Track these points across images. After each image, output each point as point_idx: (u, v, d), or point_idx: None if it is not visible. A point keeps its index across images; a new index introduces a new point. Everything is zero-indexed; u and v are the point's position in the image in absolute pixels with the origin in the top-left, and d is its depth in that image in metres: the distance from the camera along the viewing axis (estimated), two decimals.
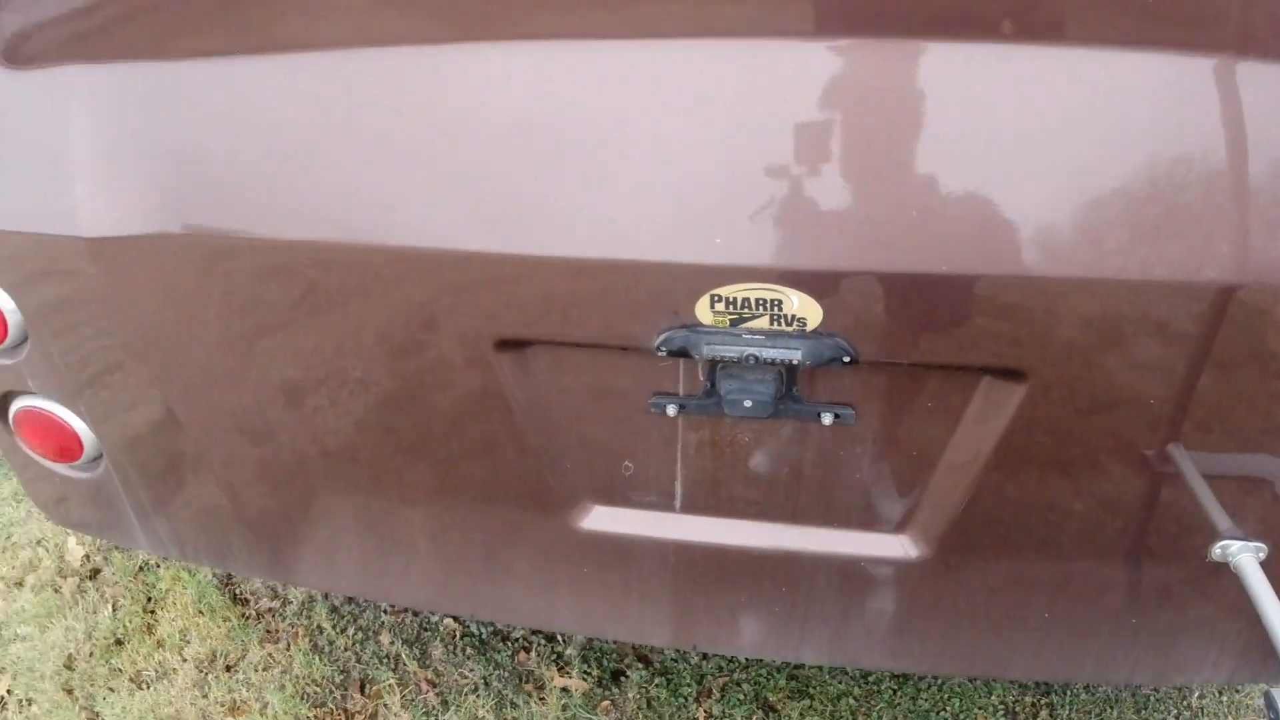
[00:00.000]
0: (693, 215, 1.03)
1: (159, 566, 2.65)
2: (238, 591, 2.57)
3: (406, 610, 2.50)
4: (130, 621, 2.48)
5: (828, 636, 1.46)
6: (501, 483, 1.35)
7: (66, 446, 1.58)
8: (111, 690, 2.32)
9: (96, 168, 1.23)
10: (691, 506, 1.35)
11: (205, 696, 2.28)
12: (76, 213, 1.24)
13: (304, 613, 2.50)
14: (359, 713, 2.28)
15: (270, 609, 2.53)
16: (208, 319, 1.28)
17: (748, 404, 1.14)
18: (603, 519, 1.41)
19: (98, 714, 2.28)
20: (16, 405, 1.58)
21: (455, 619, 2.48)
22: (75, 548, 2.75)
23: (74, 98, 1.23)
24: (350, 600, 2.52)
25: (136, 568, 2.65)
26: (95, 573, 2.67)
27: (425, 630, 2.46)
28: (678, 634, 1.53)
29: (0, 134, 1.30)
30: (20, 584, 2.67)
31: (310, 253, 1.16)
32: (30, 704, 2.33)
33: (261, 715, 2.23)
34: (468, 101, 1.09)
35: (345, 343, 1.24)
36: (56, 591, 2.61)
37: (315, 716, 2.25)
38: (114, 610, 2.52)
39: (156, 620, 2.49)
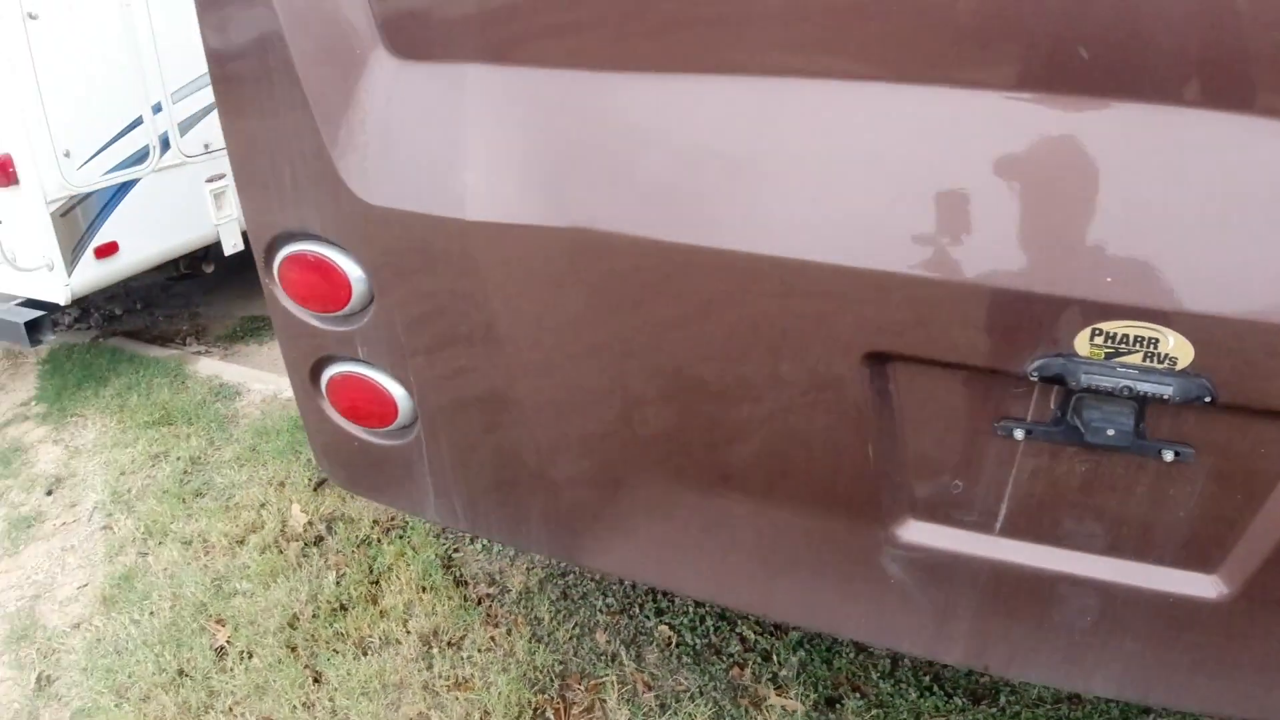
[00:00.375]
0: (1085, 252, 1.08)
1: (381, 541, 2.69)
2: (459, 574, 2.57)
3: (623, 611, 2.46)
4: (354, 590, 2.50)
5: (1122, 669, 1.41)
6: (831, 488, 1.36)
7: (381, 412, 1.58)
8: (336, 653, 2.32)
9: (488, 160, 1.31)
10: (1011, 530, 1.35)
11: (429, 669, 2.26)
12: (464, 198, 1.32)
13: (522, 602, 2.47)
14: (578, 704, 2.22)
15: (489, 594, 2.51)
16: (567, 307, 1.33)
17: (1111, 433, 1.17)
18: (920, 533, 1.40)
19: (321, 674, 2.28)
20: (332, 370, 1.64)
21: (670, 626, 2.42)
22: (299, 514, 2.81)
23: (472, 94, 1.32)
24: (565, 596, 2.49)
25: (359, 540, 2.69)
26: (319, 540, 2.72)
27: (640, 634, 2.40)
28: (971, 653, 1.48)
29: (386, 118, 1.35)
30: (242, 542, 2.74)
31: (690, 256, 1.22)
32: (250, 656, 2.35)
33: (486, 692, 2.19)
34: (868, 132, 1.16)
35: (705, 343, 1.29)
36: (280, 554, 2.66)
37: (536, 702, 2.19)
38: (338, 578, 2.55)
39: (380, 592, 2.51)
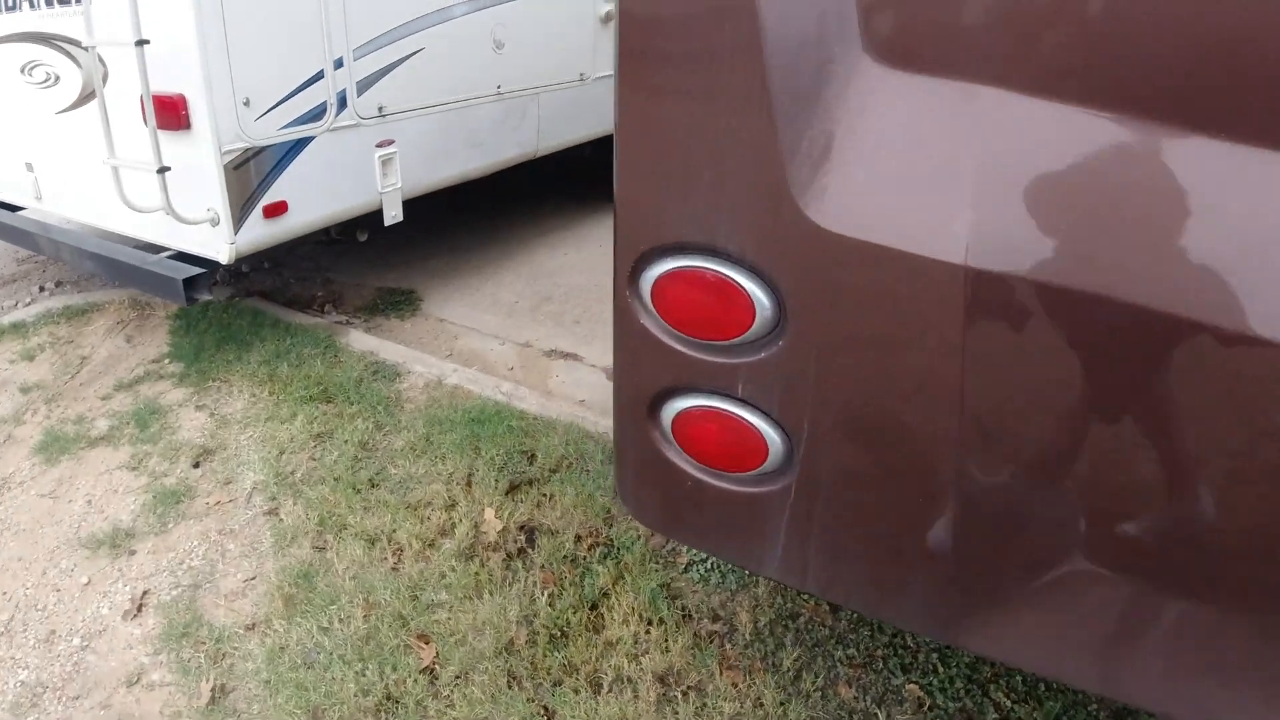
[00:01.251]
0: None
1: (590, 559, 2.44)
2: (684, 606, 2.32)
3: (866, 665, 2.20)
4: (572, 615, 2.25)
5: None
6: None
7: (745, 456, 1.42)
8: (566, 688, 2.07)
9: (998, 201, 1.10)
10: None
11: (675, 715, 2.01)
12: (962, 241, 1.11)
13: (756, 644, 2.21)
14: None
15: (718, 632, 2.25)
16: (1058, 376, 1.15)
17: None
18: None
19: (554, 712, 2.02)
20: (686, 403, 1.43)
21: (919, 685, 2.16)
22: (493, 520, 2.56)
23: (983, 121, 1.10)
24: (800, 641, 2.23)
25: (565, 555, 2.44)
26: (521, 552, 2.47)
27: (889, 693, 2.13)
28: None
29: (859, 133, 1.17)
30: (433, 545, 2.49)
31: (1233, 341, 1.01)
32: (467, 681, 2.10)
33: None
34: None
35: (1179, 416, 1.08)
36: (482, 565, 2.41)
37: None
38: (550, 599, 2.30)
39: (602, 620, 2.25)
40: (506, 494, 2.69)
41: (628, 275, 1.40)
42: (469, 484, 2.73)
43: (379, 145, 3.56)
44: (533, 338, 3.98)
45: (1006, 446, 1.22)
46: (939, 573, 1.37)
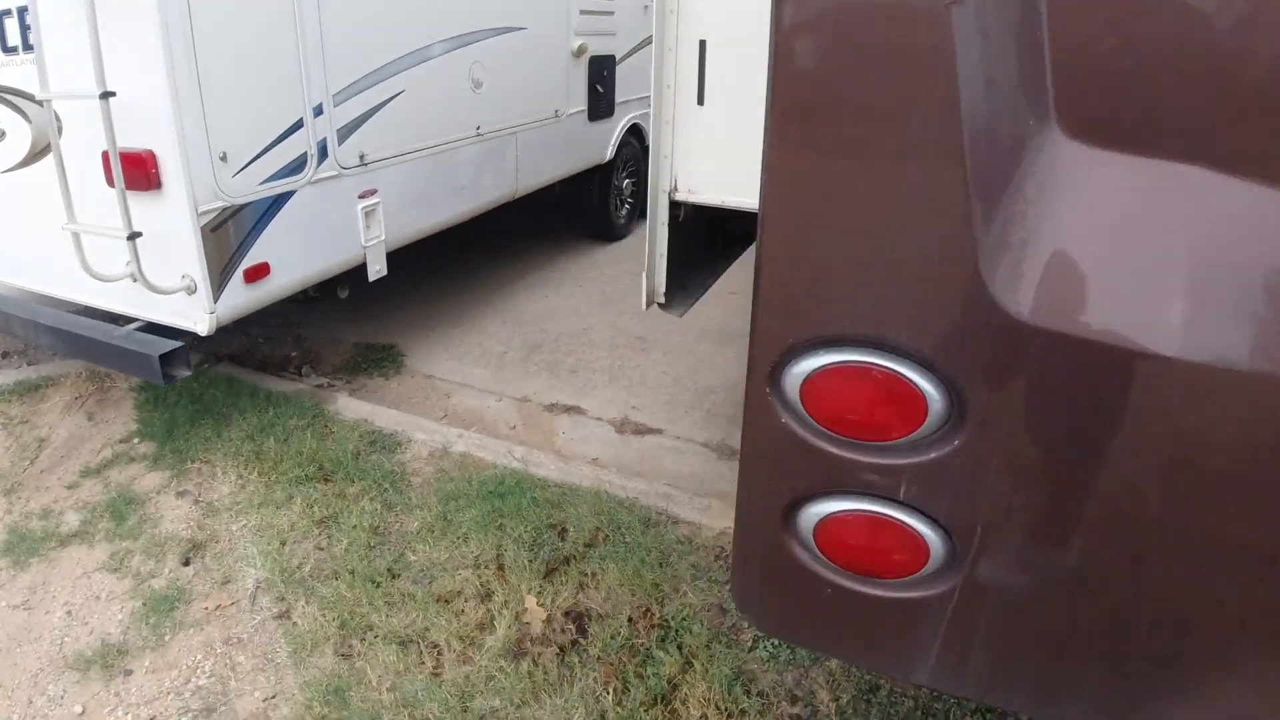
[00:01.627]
0: None
1: (649, 645, 2.24)
2: (759, 690, 2.14)
3: None
4: (644, 713, 2.05)
5: None
6: None
7: (903, 562, 1.29)
8: None
9: (1214, 287, 1.01)
10: None
11: None
12: (1170, 331, 1.01)
13: None
14: None
15: (799, 715, 2.09)
16: (1261, 471, 1.05)
17: None
18: None
19: None
20: (834, 506, 1.29)
21: None
22: (536, 609, 2.35)
23: (1191, 203, 1.00)
24: (884, 716, 2.09)
25: (621, 643, 2.24)
26: (573, 644, 2.26)
27: None
28: None
29: (1052, 213, 1.05)
30: (473, 644, 2.27)
31: None
32: None
33: None
34: None
35: None
36: (535, 662, 2.20)
37: None
38: (616, 696, 2.10)
39: (676, 715, 2.06)
40: (545, 577, 2.48)
41: (768, 371, 1.24)
42: (501, 568, 2.51)
43: (362, 196, 3.32)
44: (530, 391, 3.78)
45: (1218, 548, 1.11)
46: (1128, 668, 1.27)
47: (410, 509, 2.77)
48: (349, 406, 3.41)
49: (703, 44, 2.65)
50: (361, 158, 3.26)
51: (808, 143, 1.11)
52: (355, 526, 2.67)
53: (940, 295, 1.09)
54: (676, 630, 2.30)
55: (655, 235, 2.93)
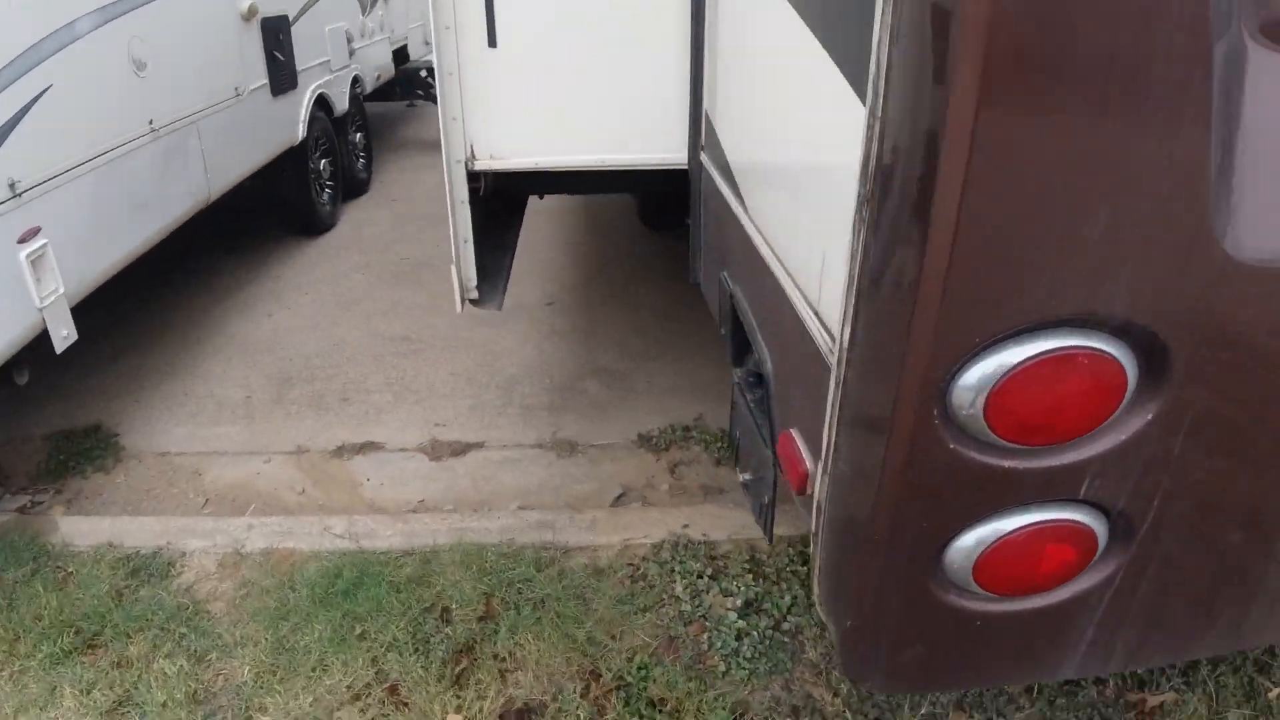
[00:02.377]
0: None
1: (615, 714, 1.86)
2: (755, 716, 1.87)
3: None
4: None
5: None
6: None
7: (1071, 565, 1.17)
8: None
9: None
10: None
11: None
12: None
13: None
14: None
15: None
16: None
17: None
18: None
19: None
20: (1003, 525, 1.10)
21: None
22: None
23: None
24: None
25: None
26: None
27: None
28: None
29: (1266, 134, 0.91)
30: None
31: None
32: None
33: None
34: None
35: None
36: None
37: None
38: None
39: None
40: (455, 682, 1.97)
41: (936, 392, 0.94)
42: (393, 690, 1.95)
43: (22, 240, 2.34)
44: (302, 438, 3.06)
45: None
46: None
47: (230, 651, 2.06)
48: (77, 529, 2.47)
49: None
50: (12, 186, 2.28)
51: (1027, 97, 0.80)
52: (166, 703, 1.91)
53: (1163, 250, 0.92)
54: (639, 685, 1.95)
55: (456, 218, 2.40)
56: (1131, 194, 0.86)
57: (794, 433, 1.38)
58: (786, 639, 2.10)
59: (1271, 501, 1.15)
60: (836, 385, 1.09)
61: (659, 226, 4.87)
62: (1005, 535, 1.08)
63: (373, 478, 2.87)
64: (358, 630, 2.09)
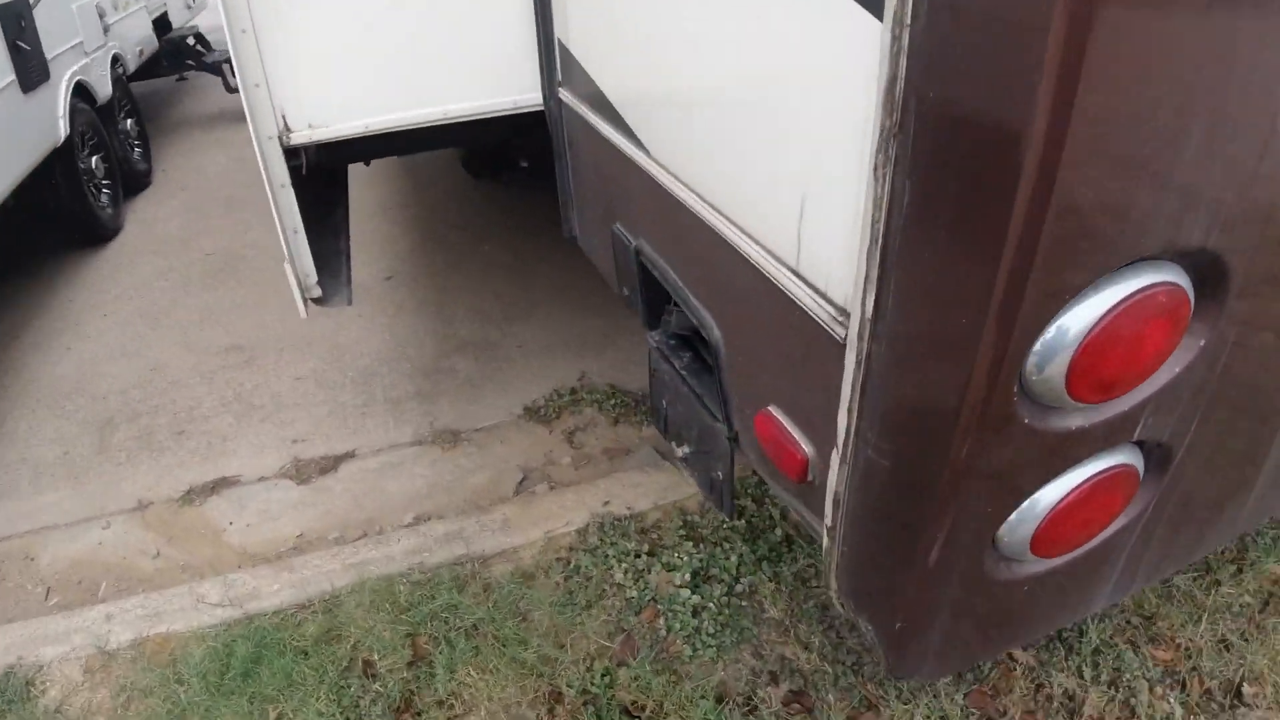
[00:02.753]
0: None
1: None
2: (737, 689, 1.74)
3: None
4: None
5: None
6: None
7: (1115, 509, 1.10)
8: None
9: None
10: None
11: None
12: None
13: None
14: None
15: (794, 690, 1.76)
16: None
17: None
18: None
19: None
20: (1060, 490, 0.99)
21: None
22: None
23: None
24: None
25: None
26: None
27: None
28: None
29: None
30: None
31: None
32: None
33: None
34: None
35: None
36: None
37: None
38: None
39: None
40: None
41: (1015, 365, 0.78)
42: None
43: None
44: (141, 490, 2.59)
45: None
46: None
47: None
48: None
49: None
50: None
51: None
52: None
53: (1239, 165, 0.78)
54: (605, 694, 1.77)
55: (280, 207, 2.00)
56: (1229, 103, 0.71)
57: (775, 411, 1.19)
58: (744, 602, 1.98)
59: None
60: (858, 364, 0.90)
61: (487, 175, 4.49)
62: (1063, 498, 0.96)
63: (235, 520, 2.46)
64: (273, 715, 1.77)
